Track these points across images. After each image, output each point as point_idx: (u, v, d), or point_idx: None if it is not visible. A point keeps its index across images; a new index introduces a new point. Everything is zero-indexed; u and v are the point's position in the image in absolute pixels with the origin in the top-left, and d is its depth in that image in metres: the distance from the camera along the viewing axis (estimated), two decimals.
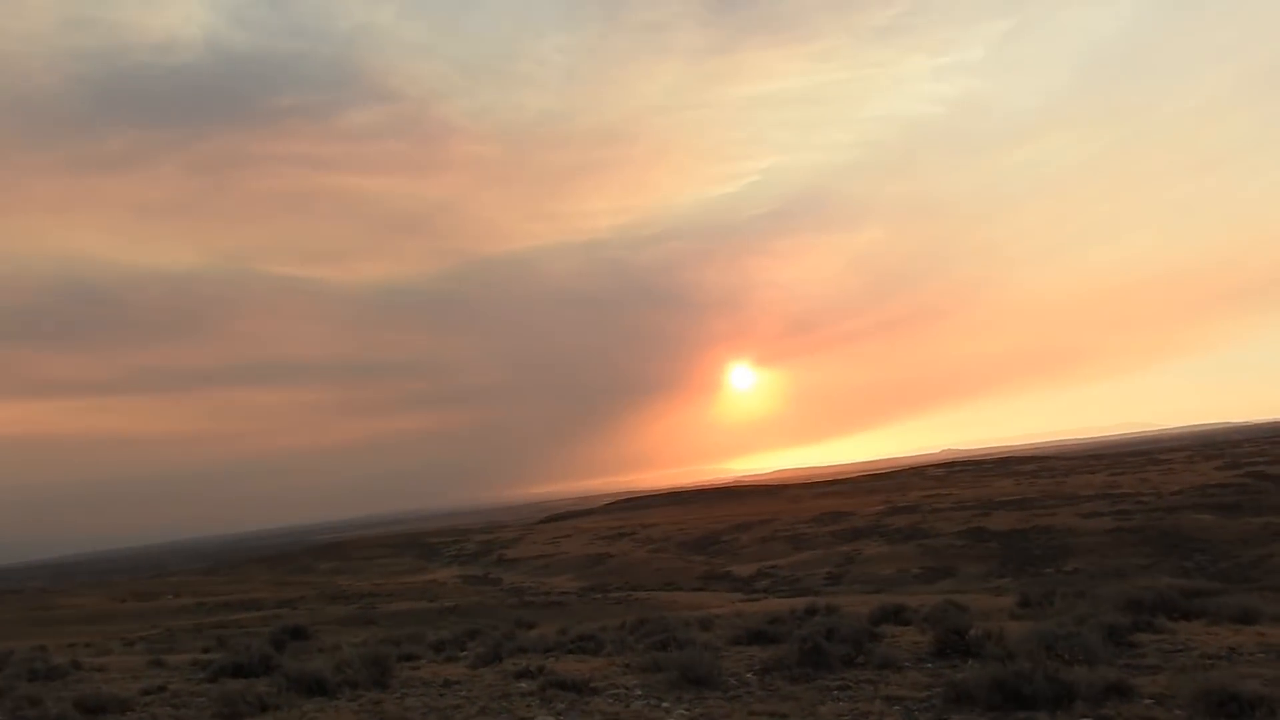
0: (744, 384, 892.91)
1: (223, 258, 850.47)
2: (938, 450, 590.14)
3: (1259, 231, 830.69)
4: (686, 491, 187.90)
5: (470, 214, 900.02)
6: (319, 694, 10.47)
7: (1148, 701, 7.90)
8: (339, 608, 55.27)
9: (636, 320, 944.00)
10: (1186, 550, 56.33)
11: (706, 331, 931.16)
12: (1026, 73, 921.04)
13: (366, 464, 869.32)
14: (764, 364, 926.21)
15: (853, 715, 8.22)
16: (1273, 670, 8.70)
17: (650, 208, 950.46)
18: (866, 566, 65.42)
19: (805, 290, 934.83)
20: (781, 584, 63.17)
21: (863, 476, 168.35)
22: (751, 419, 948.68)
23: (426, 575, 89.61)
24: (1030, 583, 52.30)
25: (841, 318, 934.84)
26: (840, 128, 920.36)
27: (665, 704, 9.01)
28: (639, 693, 9.62)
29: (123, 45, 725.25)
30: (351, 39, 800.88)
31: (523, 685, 10.44)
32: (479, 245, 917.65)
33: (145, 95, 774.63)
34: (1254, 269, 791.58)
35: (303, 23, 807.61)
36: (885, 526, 79.47)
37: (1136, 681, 8.29)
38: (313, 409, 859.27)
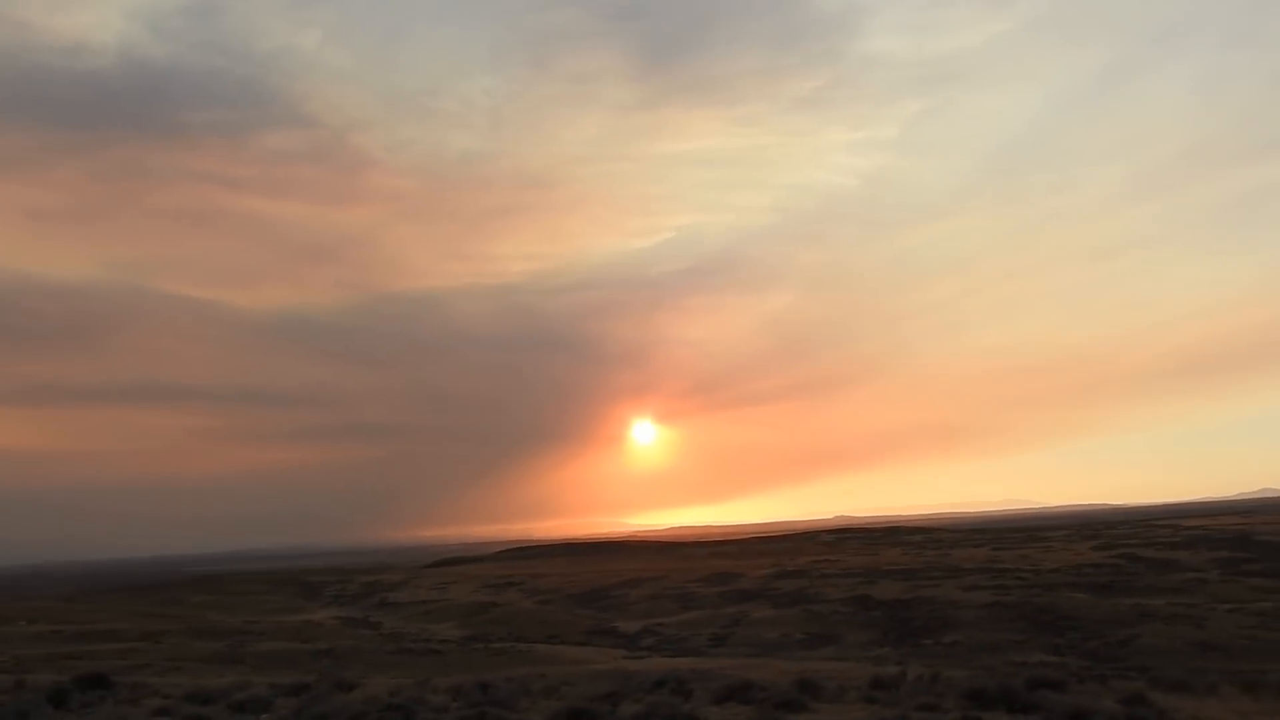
0: (646, 439, 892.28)
1: (118, 271, 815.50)
2: (831, 516, 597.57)
3: (1146, 322, 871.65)
4: (580, 544, 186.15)
5: (382, 248, 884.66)
6: None
7: None
8: (205, 644, 52.74)
9: (543, 368, 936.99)
10: (1060, 628, 57.77)
11: (612, 384, 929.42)
12: (936, 153, 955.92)
13: (252, 495, 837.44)
14: (667, 420, 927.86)
15: None
16: None
17: (565, 256, 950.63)
18: (752, 629, 65.41)
19: (713, 349, 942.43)
20: (666, 643, 62.70)
21: (755, 538, 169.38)
22: (651, 475, 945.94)
23: (304, 615, 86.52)
24: (909, 653, 52.96)
25: (747, 379, 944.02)
26: (757, 192, 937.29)
27: None
28: None
29: (27, 45, 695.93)
30: (272, 60, 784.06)
31: None
32: (388, 280, 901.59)
33: (48, 98, 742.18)
34: (1137, 359, 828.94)
35: (222, 39, 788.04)
36: (773, 590, 79.77)
37: None
38: (200, 434, 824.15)
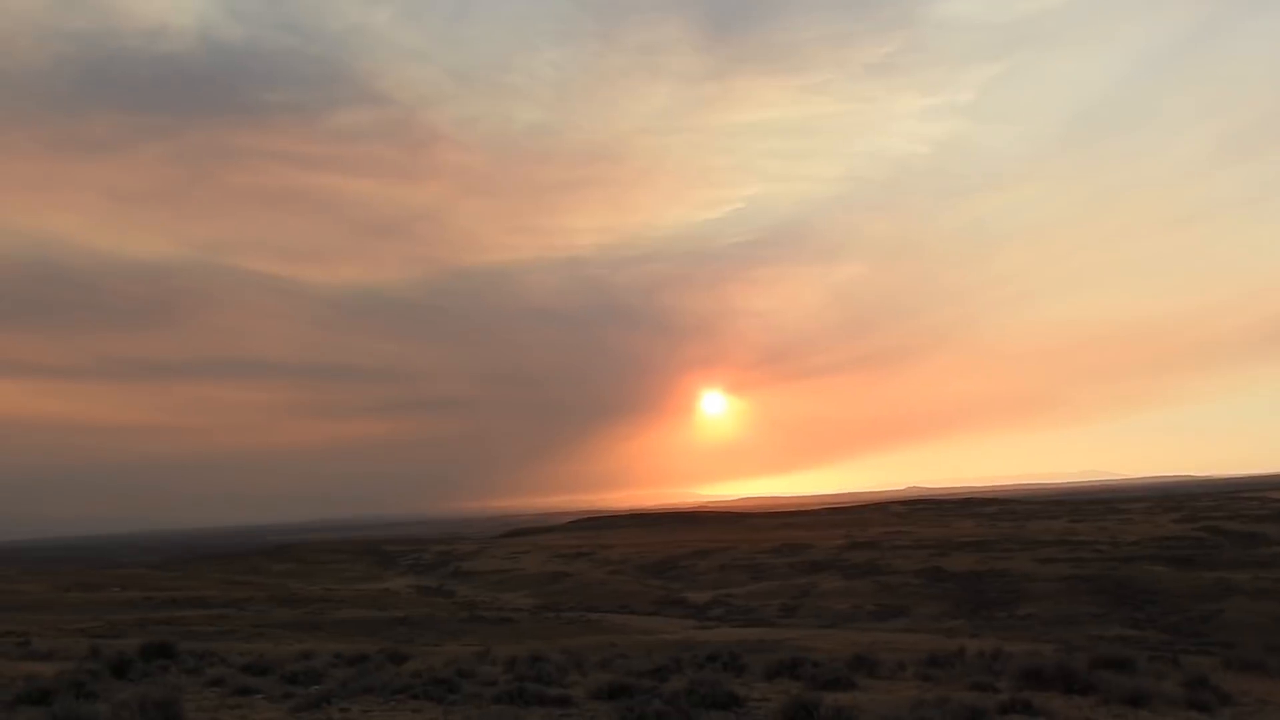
0: (716, 410, 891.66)
1: (198, 249, 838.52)
2: (903, 487, 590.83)
3: (1229, 290, 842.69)
4: (650, 514, 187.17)
5: (452, 223, 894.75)
6: None
7: None
8: (287, 611, 54.42)
9: (612, 340, 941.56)
10: (1138, 601, 56.60)
11: (681, 355, 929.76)
12: (1013, 119, 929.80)
13: (330, 467, 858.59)
14: (737, 391, 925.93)
15: None
16: None
17: (633, 228, 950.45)
18: (821, 600, 65.28)
19: (782, 320, 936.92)
20: (736, 613, 62.93)
21: (826, 509, 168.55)
22: (721, 446, 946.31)
23: (380, 583, 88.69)
24: (982, 626, 52.42)
25: (816, 350, 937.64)
26: (827, 161, 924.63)
27: None
28: None
29: (112, 29, 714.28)
30: (344, 39, 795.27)
31: None
32: (459, 254, 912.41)
33: (131, 81, 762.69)
34: (1222, 327, 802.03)
35: (296, 19, 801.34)
36: (844, 561, 79.42)
37: None
38: (279, 408, 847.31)
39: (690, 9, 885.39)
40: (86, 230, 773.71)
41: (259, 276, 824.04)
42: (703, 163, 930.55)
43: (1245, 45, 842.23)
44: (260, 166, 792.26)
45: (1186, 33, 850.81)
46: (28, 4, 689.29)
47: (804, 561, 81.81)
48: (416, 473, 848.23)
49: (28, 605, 56.23)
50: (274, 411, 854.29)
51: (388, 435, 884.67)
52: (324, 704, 11.76)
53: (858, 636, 35.42)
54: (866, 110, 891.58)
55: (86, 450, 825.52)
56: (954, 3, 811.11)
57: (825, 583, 70.58)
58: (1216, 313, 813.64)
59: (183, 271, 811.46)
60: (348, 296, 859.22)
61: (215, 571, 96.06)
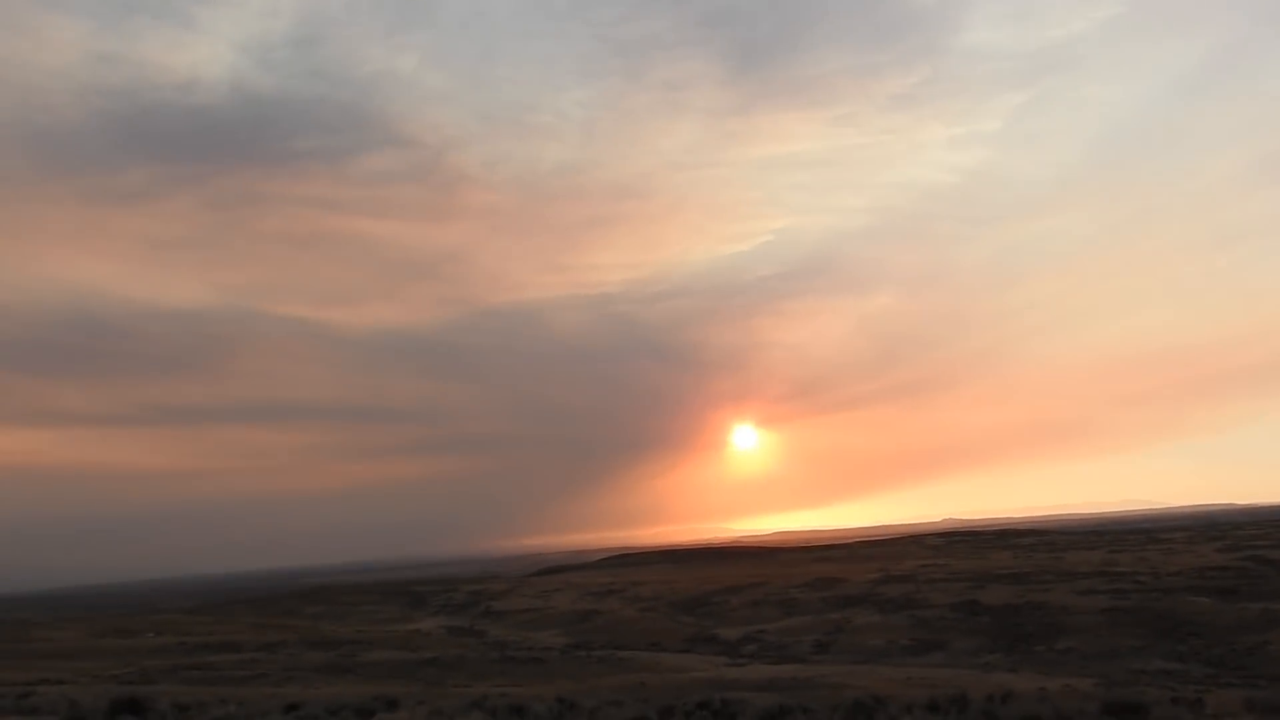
0: (747, 444, 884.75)
1: (232, 295, 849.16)
2: (939, 519, 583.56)
3: (1268, 313, 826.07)
4: (682, 550, 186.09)
5: (481, 262, 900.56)
6: None
7: None
8: (318, 654, 54.44)
9: (642, 376, 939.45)
10: (1181, 634, 55.35)
11: (712, 390, 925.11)
12: (1042, 146, 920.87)
13: (363, 508, 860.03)
14: (769, 425, 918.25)
15: None
16: None
17: (662, 264, 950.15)
18: (856, 636, 64.38)
19: (813, 353, 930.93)
20: (768, 650, 62.20)
21: (860, 542, 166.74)
22: (753, 480, 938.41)
23: (411, 624, 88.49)
24: (1020, 661, 51.49)
25: (849, 382, 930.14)
26: (855, 192, 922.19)
27: None
28: None
29: (147, 82, 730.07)
30: (372, 85, 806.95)
31: None
32: (488, 294, 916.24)
33: (166, 132, 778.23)
34: (1263, 351, 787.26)
35: (325, 67, 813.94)
36: (878, 595, 78.32)
37: None
38: (312, 451, 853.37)
39: (714, 44, 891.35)
40: (122, 279, 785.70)
41: (292, 320, 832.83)
42: (730, 197, 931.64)
43: (1277, 64, 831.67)
44: (291, 212, 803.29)
45: (1216, 53, 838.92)
46: (65, 62, 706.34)
47: (837, 596, 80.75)
48: (449, 513, 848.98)
49: (62, 652, 56.63)
50: (308, 454, 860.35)
51: (421, 475, 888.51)
52: None
53: (891, 673, 34.87)
54: (893, 141, 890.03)
55: (126, 497, 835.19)
56: (978, 32, 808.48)
57: (859, 617, 69.62)
58: (1256, 336, 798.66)
59: (217, 317, 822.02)
60: (379, 338, 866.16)
61: (249, 615, 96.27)
